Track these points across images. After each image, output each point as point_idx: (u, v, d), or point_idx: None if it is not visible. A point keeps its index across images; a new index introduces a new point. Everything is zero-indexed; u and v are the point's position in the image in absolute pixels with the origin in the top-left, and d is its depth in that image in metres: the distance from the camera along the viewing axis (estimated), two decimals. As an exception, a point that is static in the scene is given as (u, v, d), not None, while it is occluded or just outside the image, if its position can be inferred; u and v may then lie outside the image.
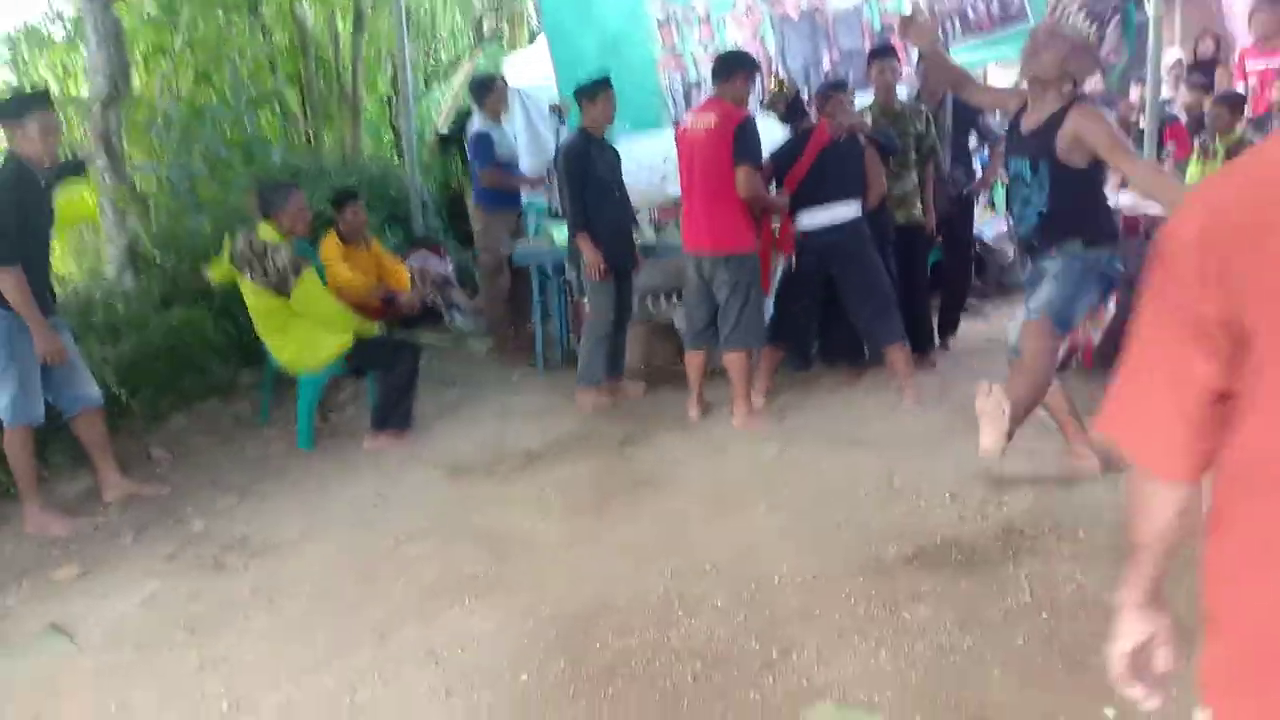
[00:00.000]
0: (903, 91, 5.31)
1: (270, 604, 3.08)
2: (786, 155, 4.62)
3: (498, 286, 5.79)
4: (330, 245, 4.87)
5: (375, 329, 4.45)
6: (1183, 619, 1.34)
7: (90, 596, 3.19)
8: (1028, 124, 3.41)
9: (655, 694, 2.50)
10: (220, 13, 5.48)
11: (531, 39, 8.09)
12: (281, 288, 4.13)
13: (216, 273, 4.37)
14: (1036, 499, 3.56)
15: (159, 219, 5.05)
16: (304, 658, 2.76)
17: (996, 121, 6.01)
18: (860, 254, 4.60)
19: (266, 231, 4.17)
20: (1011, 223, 3.60)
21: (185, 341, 4.42)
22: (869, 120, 4.89)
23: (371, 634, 2.86)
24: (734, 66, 4.43)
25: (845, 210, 4.55)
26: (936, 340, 5.53)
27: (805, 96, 5.17)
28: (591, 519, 3.60)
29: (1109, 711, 2.33)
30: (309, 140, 6.44)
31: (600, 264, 4.67)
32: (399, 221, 6.32)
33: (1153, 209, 5.09)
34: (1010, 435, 3.36)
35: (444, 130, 7.19)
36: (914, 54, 5.52)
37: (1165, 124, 6.37)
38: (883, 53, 5.11)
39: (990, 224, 6.89)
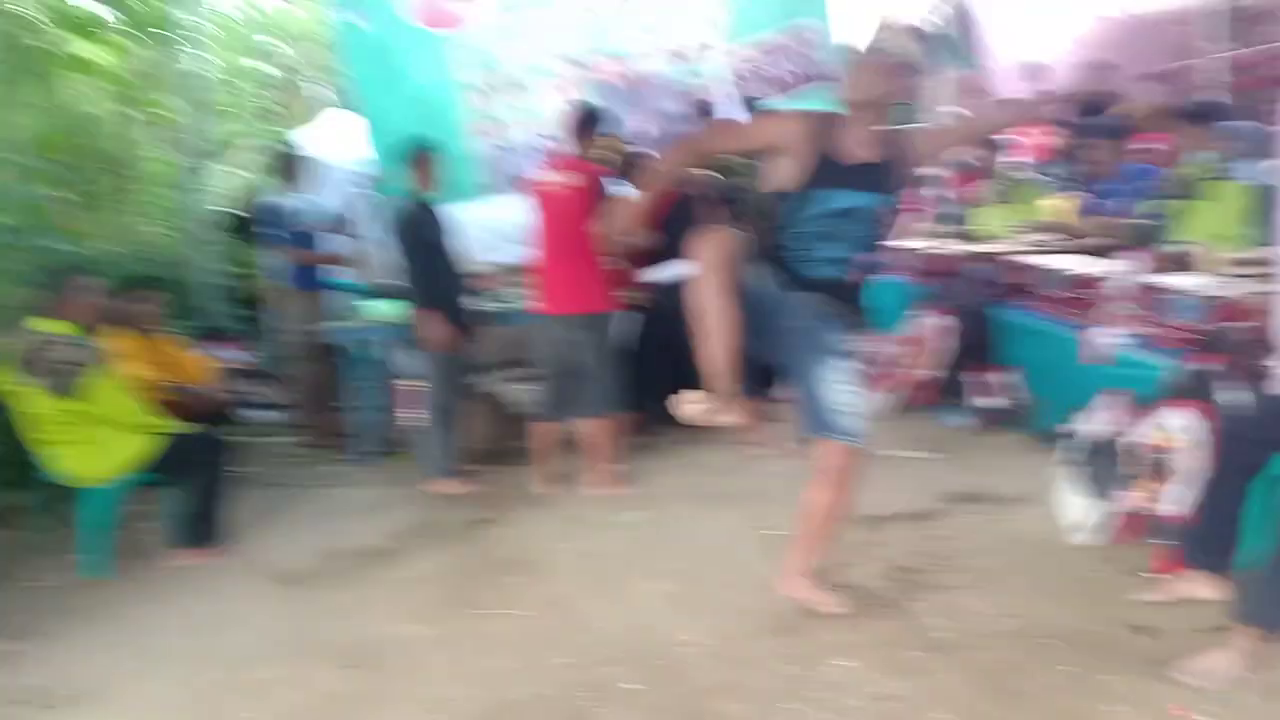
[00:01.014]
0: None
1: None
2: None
3: (311, 372, 5.33)
4: (121, 340, 4.29)
5: (176, 426, 3.91)
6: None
7: None
8: (853, 155, 2.81)
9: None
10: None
11: (311, 115, 7.72)
12: (68, 388, 3.56)
13: (-10, 379, 3.73)
14: (910, 535, 3.57)
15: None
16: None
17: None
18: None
19: (48, 325, 3.60)
20: (814, 263, 2.85)
21: (-57, 463, 3.70)
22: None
23: (229, 781, 2.40)
24: (590, 122, 4.36)
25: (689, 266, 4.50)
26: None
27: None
28: (461, 614, 3.24)
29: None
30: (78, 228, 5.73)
31: (447, 338, 4.41)
32: (187, 311, 5.72)
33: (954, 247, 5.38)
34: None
35: (232, 212, 6.64)
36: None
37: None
38: (707, 112, 5.20)
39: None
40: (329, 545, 3.96)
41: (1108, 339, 3.83)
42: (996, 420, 4.62)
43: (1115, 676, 2.51)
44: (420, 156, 4.47)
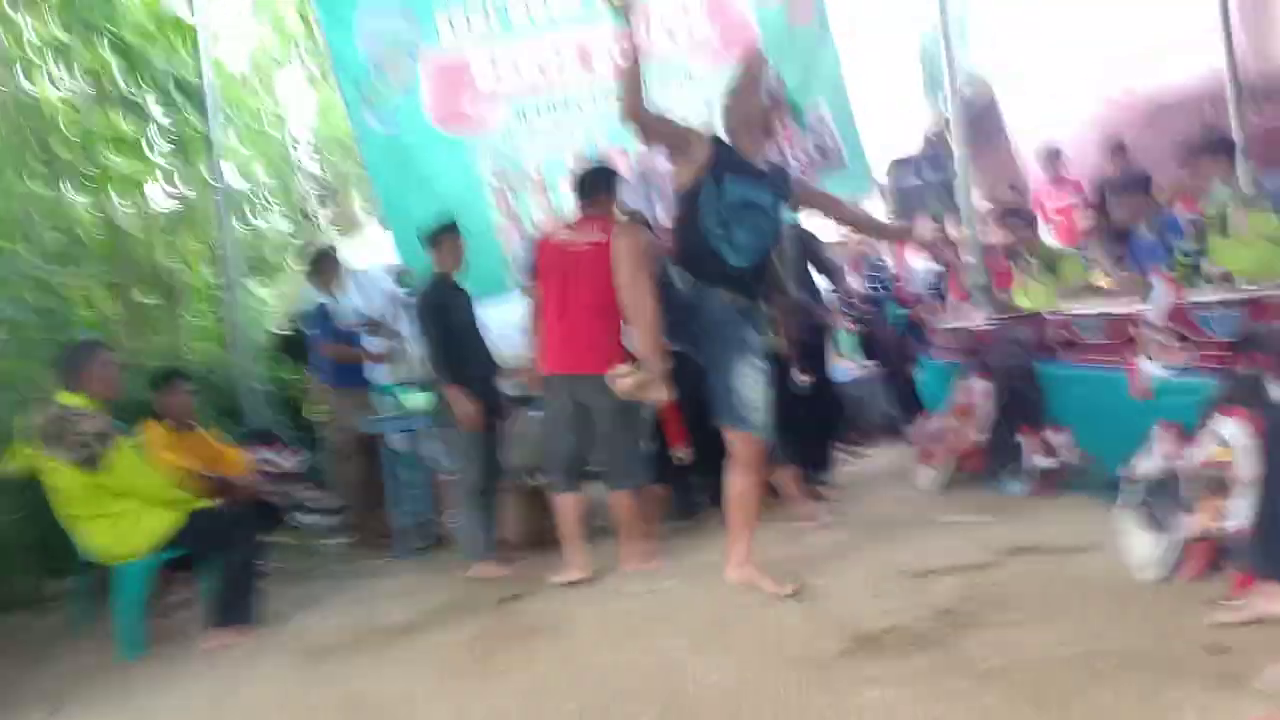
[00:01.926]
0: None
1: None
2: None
3: (352, 469, 5.33)
4: (153, 431, 4.35)
5: (205, 503, 3.89)
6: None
7: None
8: (758, 162, 3.42)
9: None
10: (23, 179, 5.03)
11: (355, 226, 8.00)
12: (92, 462, 3.57)
13: (14, 460, 3.77)
14: (961, 583, 3.32)
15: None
16: None
17: (838, 257, 6.22)
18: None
19: (70, 399, 3.65)
20: (725, 248, 3.32)
21: (-22, 545, 3.71)
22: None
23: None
24: (601, 183, 4.29)
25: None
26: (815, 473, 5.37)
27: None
28: (479, 672, 3.09)
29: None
30: (123, 340, 5.90)
31: (473, 414, 4.32)
32: (229, 415, 5.79)
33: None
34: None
35: (281, 330, 6.82)
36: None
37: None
38: None
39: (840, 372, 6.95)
40: (360, 624, 3.87)
41: (1152, 369, 3.64)
42: (1053, 482, 4.37)
43: (1186, 694, 2.24)
44: (441, 236, 4.52)
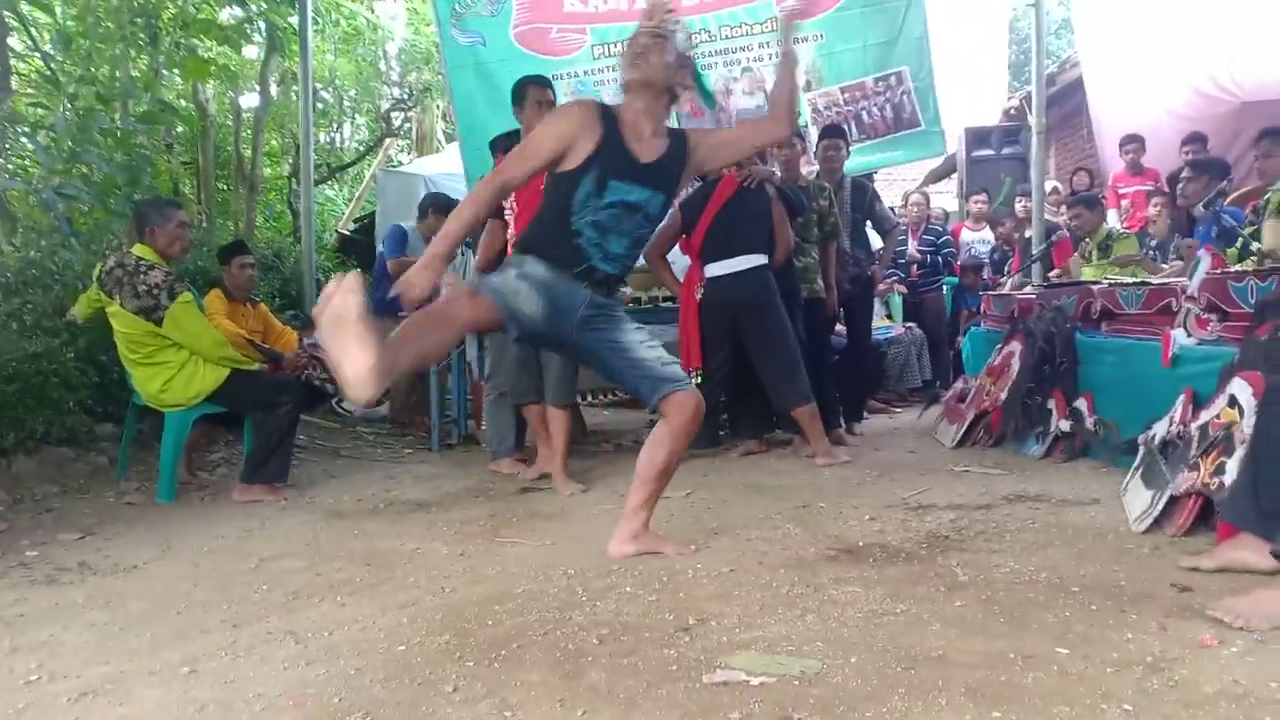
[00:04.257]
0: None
1: (106, 606, 2.65)
2: (694, 204, 4.60)
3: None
4: (214, 300, 4.59)
5: (255, 365, 4.12)
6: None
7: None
8: (646, 153, 2.85)
9: (556, 654, 2.17)
10: (119, 50, 5.30)
11: (440, 147, 8.17)
12: (154, 311, 3.82)
13: (82, 306, 4.03)
14: (955, 518, 3.41)
15: (29, 244, 4.69)
16: (140, 641, 2.34)
17: (892, 211, 6.24)
18: (767, 306, 4.53)
19: (141, 250, 3.89)
20: (595, 257, 2.82)
21: (41, 374, 3.96)
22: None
23: (223, 624, 2.46)
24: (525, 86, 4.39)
25: (751, 260, 4.51)
26: (843, 423, 5.45)
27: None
28: (488, 541, 3.27)
29: (1062, 650, 2.11)
30: (203, 221, 6.21)
31: None
32: (291, 302, 6.06)
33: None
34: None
35: (346, 230, 7.08)
36: (813, 137, 5.73)
37: (1055, 241, 6.68)
38: None
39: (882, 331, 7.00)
40: (382, 495, 4.09)
41: (1181, 339, 3.66)
42: (1071, 446, 4.40)
43: (1142, 617, 2.32)
44: (507, 145, 4.64)
